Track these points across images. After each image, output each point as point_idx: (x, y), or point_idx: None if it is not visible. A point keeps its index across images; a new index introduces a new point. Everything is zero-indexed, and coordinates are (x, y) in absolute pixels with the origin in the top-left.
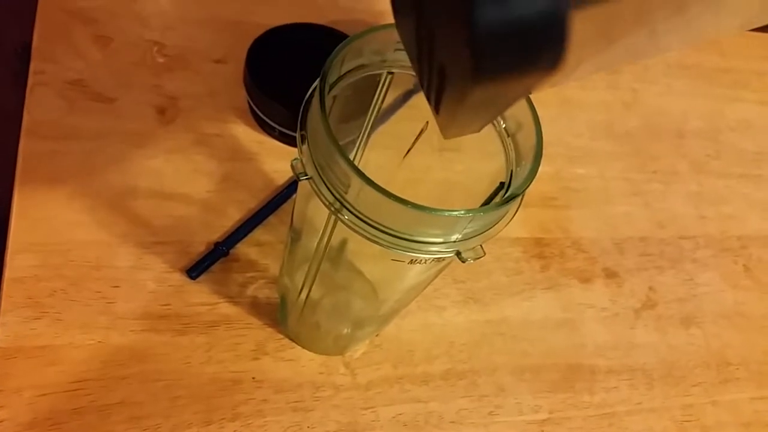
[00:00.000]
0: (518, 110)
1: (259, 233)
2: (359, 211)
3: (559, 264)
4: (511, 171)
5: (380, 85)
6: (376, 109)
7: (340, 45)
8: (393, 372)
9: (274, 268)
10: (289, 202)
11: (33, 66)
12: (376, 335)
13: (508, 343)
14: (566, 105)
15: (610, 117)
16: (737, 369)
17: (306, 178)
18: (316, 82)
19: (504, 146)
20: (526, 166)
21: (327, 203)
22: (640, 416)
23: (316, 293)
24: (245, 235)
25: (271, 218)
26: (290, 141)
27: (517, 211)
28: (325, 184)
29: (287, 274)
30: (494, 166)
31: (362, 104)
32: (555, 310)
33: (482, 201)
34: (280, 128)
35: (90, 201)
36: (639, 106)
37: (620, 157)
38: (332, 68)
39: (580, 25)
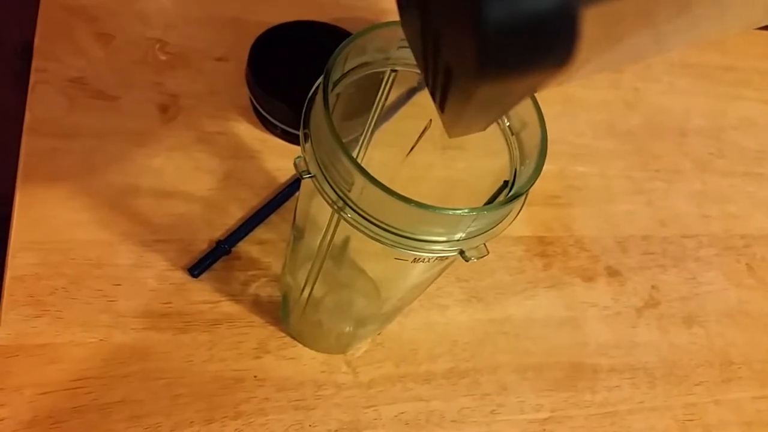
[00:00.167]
0: (523, 108)
1: (261, 231)
2: (362, 210)
3: (562, 262)
4: (515, 169)
5: (383, 83)
6: (379, 107)
7: (344, 42)
8: (395, 370)
9: (276, 267)
10: (292, 200)
11: (34, 64)
12: (379, 334)
13: (511, 342)
14: (569, 103)
15: (612, 115)
16: (740, 368)
17: (309, 177)
18: (320, 80)
19: (508, 144)
20: (530, 164)
21: (330, 201)
22: (642, 415)
23: (318, 291)
24: (247, 234)
25: (273, 216)
26: (293, 139)
27: (521, 209)
28: (328, 182)
29: (290, 272)
30: (498, 164)
31: (365, 102)
32: (558, 308)
33: (486, 199)
34: (283, 126)
35: (91, 199)
36: (641, 105)
37: (623, 156)
38: (335, 66)
39: (587, 23)
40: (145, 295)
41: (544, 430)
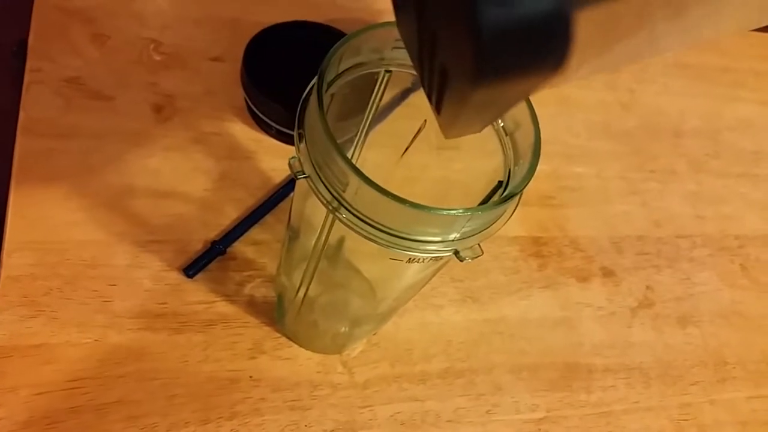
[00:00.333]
0: (516, 109)
1: (256, 232)
2: (357, 210)
3: (557, 263)
4: (509, 170)
5: (378, 83)
6: (373, 108)
7: (338, 43)
8: (390, 371)
9: (271, 267)
10: (287, 200)
11: (29, 64)
12: (374, 334)
13: (506, 342)
14: (564, 104)
15: (608, 116)
16: (734, 368)
17: (304, 177)
18: (314, 80)
19: (502, 145)
20: (524, 164)
21: (325, 202)
22: (637, 415)
23: (313, 291)
24: (242, 234)
25: (269, 217)
26: (288, 139)
27: (515, 209)
28: (323, 183)
29: (285, 273)
30: (492, 165)
31: (360, 102)
32: (552, 308)
33: (480, 199)
34: (278, 126)
35: (87, 199)
36: (637, 106)
37: (618, 157)
38: (330, 66)
39: (584, 26)
40: (141, 295)
41: (540, 430)
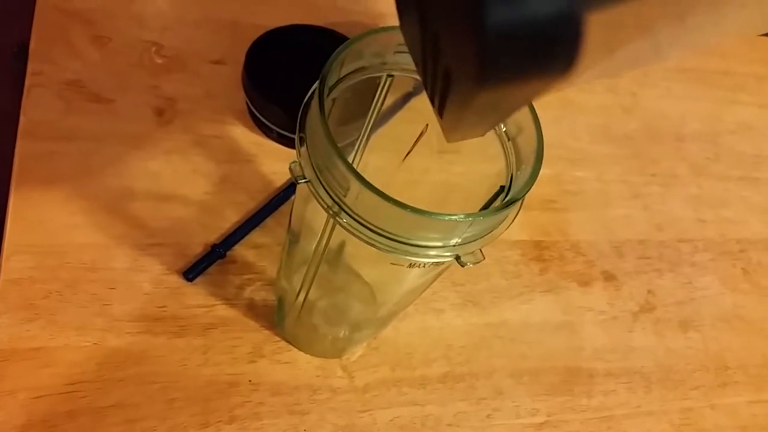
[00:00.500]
0: (519, 114)
1: (256, 235)
2: (358, 215)
3: (558, 267)
4: (512, 174)
5: (380, 88)
6: (375, 112)
7: (340, 47)
8: (390, 375)
9: (271, 271)
10: (287, 204)
11: (30, 67)
12: (374, 338)
13: (507, 346)
14: (566, 108)
15: (609, 120)
16: (735, 372)
17: (304, 182)
18: (316, 85)
19: (504, 149)
20: (527, 170)
21: (325, 207)
22: (639, 420)
23: (313, 295)
24: (242, 237)
25: (269, 220)
26: (288, 143)
27: (517, 215)
28: (324, 188)
29: (285, 277)
30: (494, 169)
31: (362, 106)
32: (554, 313)
33: (482, 203)
34: (279, 130)
35: (87, 202)
36: (638, 110)
37: (619, 160)
38: (332, 71)
39: (590, 29)
40: (140, 298)
41: None
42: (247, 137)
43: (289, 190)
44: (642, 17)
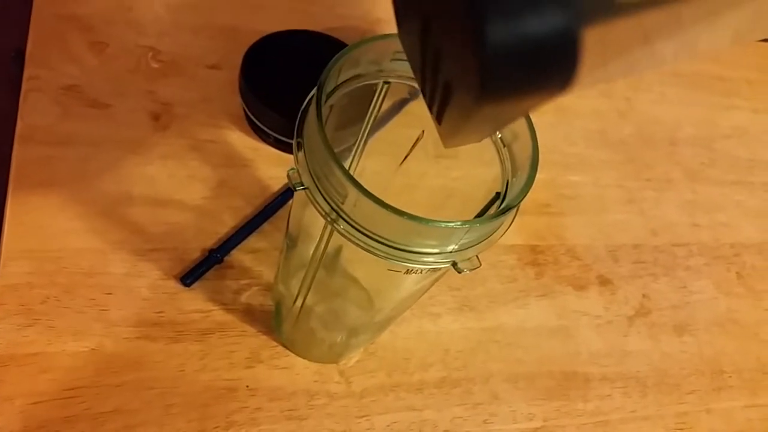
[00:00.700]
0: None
1: (253, 240)
2: (355, 222)
3: (554, 271)
4: (507, 181)
5: (377, 94)
6: (372, 117)
7: (338, 55)
8: (388, 380)
9: (268, 276)
10: (284, 209)
11: (27, 72)
12: (371, 343)
13: (503, 351)
14: (561, 113)
15: (604, 125)
16: (730, 377)
17: (302, 189)
18: (313, 92)
19: (500, 156)
20: (522, 176)
21: (323, 214)
22: (634, 424)
23: (311, 300)
24: (240, 242)
25: (266, 225)
26: (285, 147)
27: (512, 221)
28: (322, 194)
29: (282, 282)
30: (491, 174)
31: (359, 112)
32: (549, 317)
33: (479, 208)
34: (275, 135)
35: (84, 207)
36: (633, 114)
37: (614, 165)
38: (329, 78)
39: (589, 44)
40: (138, 304)
41: None
42: (243, 142)
43: (286, 194)
44: (640, 30)
